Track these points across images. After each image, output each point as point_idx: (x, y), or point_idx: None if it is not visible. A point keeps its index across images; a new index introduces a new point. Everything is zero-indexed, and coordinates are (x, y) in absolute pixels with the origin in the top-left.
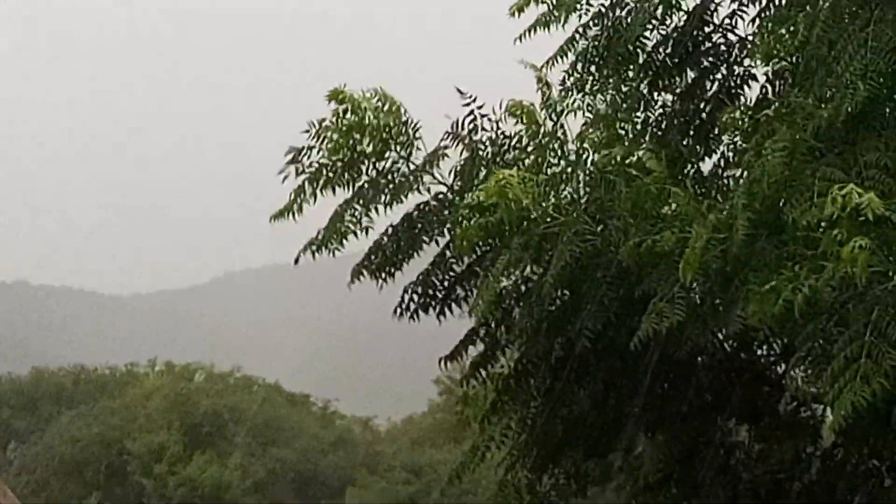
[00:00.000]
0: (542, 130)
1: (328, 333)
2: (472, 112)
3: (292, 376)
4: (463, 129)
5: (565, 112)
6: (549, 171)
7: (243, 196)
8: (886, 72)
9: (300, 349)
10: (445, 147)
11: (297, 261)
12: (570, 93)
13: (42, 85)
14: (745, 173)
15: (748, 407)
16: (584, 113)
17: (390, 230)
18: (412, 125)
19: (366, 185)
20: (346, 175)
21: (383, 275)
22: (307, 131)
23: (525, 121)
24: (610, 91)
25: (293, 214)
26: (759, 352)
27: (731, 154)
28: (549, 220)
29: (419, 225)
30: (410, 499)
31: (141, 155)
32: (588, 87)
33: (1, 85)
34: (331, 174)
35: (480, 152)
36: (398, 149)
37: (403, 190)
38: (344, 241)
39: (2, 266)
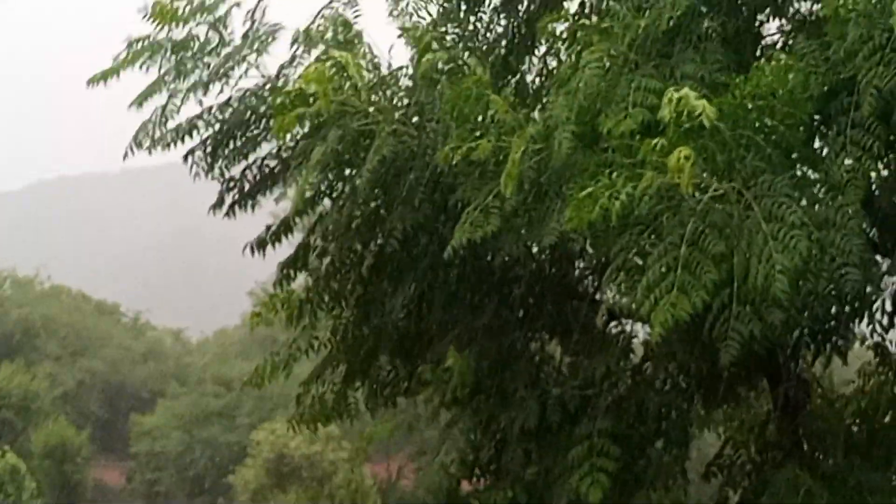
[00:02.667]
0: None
1: (143, 244)
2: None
3: (105, 286)
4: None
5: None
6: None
7: (59, 103)
8: None
9: (114, 258)
10: (276, 29)
11: (125, 156)
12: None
13: None
14: (563, 85)
15: (559, 321)
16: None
17: (206, 112)
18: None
19: (187, 64)
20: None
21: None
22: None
23: (342, 29)
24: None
25: (108, 78)
26: (572, 266)
27: (551, 66)
28: (368, 116)
29: (241, 109)
30: (220, 411)
31: None
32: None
33: None
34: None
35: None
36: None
37: (229, 66)
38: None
39: None
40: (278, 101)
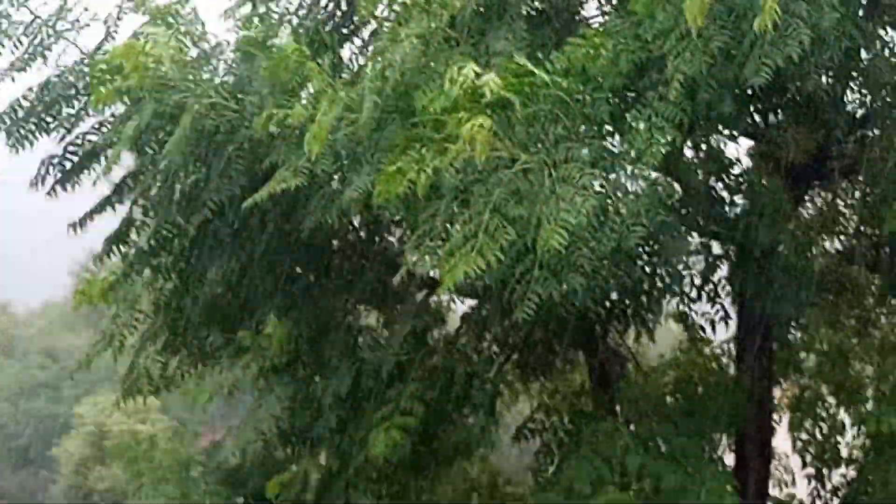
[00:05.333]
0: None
1: None
2: None
3: None
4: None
5: None
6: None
7: None
8: None
9: None
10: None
11: None
12: None
13: None
14: (378, 58)
15: (378, 291)
16: None
17: (26, 92)
18: None
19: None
20: None
21: (18, 135)
22: None
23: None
24: None
25: None
26: (391, 236)
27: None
28: (187, 91)
29: (58, 88)
30: (46, 382)
31: None
32: None
33: None
34: None
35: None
36: None
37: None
38: None
39: None
40: (94, 74)
